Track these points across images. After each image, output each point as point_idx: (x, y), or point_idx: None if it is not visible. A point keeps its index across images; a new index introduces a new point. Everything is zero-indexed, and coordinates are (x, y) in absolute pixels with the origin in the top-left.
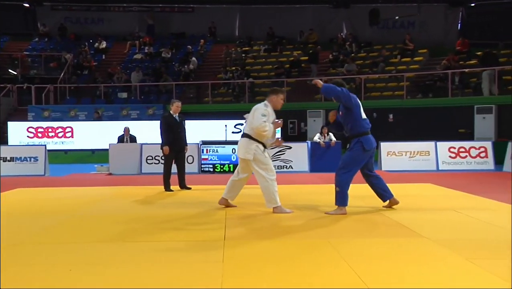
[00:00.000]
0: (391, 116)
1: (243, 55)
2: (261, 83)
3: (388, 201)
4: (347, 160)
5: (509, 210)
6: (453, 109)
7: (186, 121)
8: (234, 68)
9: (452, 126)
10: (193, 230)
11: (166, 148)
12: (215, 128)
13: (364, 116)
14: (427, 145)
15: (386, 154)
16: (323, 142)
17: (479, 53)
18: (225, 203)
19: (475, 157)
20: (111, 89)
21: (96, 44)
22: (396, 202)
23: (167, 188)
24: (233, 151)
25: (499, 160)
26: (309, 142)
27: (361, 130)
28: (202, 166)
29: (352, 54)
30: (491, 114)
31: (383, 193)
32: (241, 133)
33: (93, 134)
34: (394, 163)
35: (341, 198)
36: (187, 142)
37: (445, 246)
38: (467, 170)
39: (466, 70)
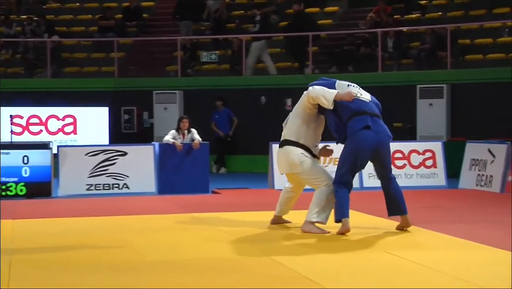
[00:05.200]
0: (289, 101)
1: None
2: (74, 44)
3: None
4: None
5: None
6: (385, 90)
7: None
8: (26, 16)
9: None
10: None
11: None
12: None
13: None
14: None
15: None
16: (181, 143)
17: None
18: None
19: (418, 167)
20: None
21: None
22: None
23: None
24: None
25: (451, 171)
26: (156, 144)
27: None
28: None
29: None
30: (441, 98)
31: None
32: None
33: None
34: None
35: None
36: None
37: None
38: (407, 187)
39: (405, 28)
